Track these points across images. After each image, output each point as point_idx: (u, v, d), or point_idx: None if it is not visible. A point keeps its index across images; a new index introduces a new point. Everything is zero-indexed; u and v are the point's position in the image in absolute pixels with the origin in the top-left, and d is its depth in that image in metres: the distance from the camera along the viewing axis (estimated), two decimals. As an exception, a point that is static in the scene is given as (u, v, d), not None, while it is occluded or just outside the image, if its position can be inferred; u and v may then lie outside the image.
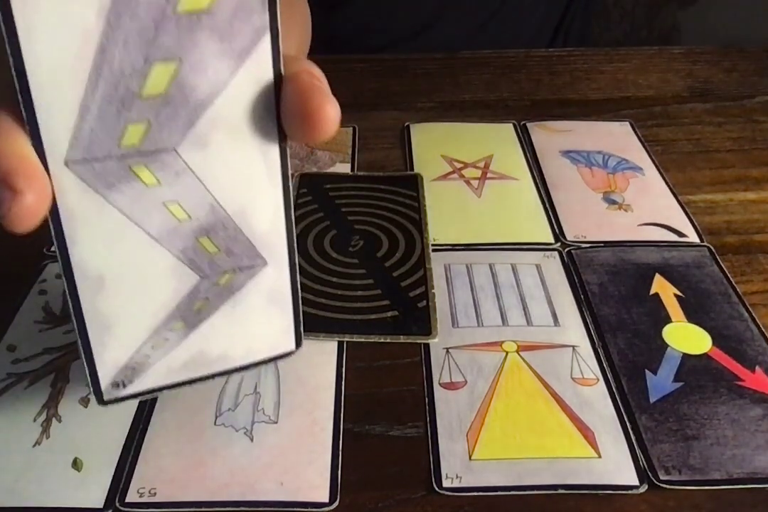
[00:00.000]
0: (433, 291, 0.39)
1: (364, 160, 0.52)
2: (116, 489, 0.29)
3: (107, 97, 0.20)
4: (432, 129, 0.55)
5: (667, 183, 0.49)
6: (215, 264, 0.26)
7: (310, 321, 0.34)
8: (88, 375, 0.26)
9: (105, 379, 0.26)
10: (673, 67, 0.65)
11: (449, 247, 0.43)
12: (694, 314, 0.38)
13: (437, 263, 0.42)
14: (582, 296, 0.39)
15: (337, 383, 0.34)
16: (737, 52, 0.67)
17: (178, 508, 0.29)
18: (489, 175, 0.50)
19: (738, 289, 0.40)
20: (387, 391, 0.34)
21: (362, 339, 0.36)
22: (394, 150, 0.53)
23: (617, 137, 0.54)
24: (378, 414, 0.33)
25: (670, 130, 0.55)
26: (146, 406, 0.33)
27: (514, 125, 0.56)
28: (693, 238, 0.44)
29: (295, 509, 0.29)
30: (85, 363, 0.26)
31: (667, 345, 0.36)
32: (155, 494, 0.29)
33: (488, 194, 0.48)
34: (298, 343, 0.30)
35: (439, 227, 0.44)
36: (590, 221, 0.45)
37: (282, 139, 0.24)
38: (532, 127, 0.55)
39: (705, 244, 0.43)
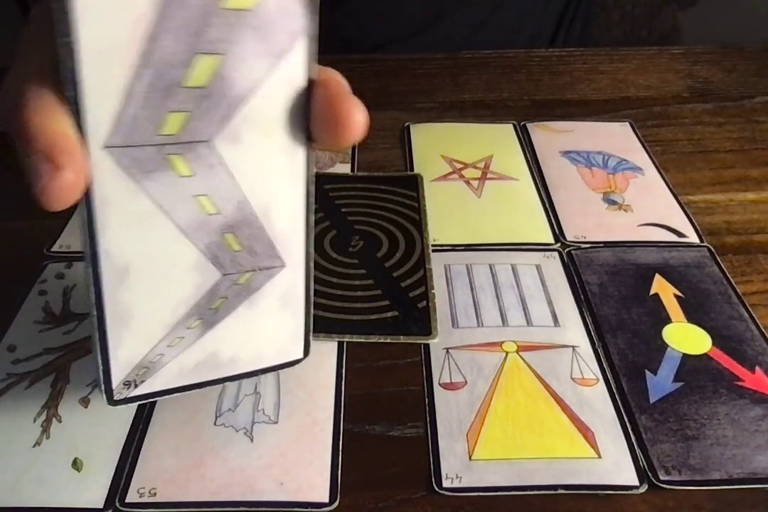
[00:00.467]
0: (433, 291, 0.39)
1: (364, 161, 0.52)
2: (116, 489, 0.29)
3: (152, 85, 0.20)
4: (432, 129, 0.55)
5: (667, 183, 0.49)
6: (237, 262, 0.25)
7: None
8: (100, 373, 0.25)
9: (117, 378, 0.26)
10: (673, 67, 0.65)
11: (449, 248, 0.43)
12: (694, 314, 0.38)
13: (437, 263, 0.41)
14: (582, 296, 0.39)
15: (337, 383, 0.34)
16: (737, 52, 0.67)
17: (178, 508, 0.29)
18: (489, 175, 0.50)
19: (738, 289, 0.40)
20: (387, 391, 0.34)
21: (362, 340, 0.36)
22: (394, 150, 0.53)
23: (617, 137, 0.54)
24: (378, 414, 0.33)
25: (670, 130, 0.55)
26: (146, 406, 0.33)
27: (514, 125, 0.56)
28: (693, 238, 0.44)
29: (295, 509, 0.29)
30: (99, 360, 0.25)
31: (667, 346, 0.36)
32: (155, 494, 0.29)
33: (488, 194, 0.48)
34: (306, 352, 0.30)
35: (439, 227, 0.44)
36: (590, 221, 0.45)
37: (308, 142, 0.24)
38: (532, 127, 0.55)
39: (705, 244, 0.43)
